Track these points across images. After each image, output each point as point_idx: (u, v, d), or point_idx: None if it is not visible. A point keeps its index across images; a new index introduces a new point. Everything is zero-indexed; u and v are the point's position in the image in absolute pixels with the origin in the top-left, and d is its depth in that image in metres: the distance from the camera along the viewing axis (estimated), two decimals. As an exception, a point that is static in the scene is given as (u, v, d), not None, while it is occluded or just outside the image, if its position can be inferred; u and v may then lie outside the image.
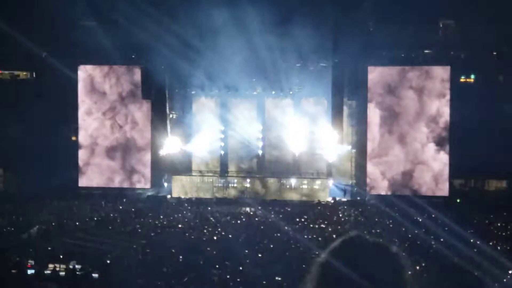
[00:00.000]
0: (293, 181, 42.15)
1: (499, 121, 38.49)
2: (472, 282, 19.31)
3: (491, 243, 26.52)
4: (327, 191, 41.57)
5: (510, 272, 19.65)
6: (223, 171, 44.42)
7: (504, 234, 29.81)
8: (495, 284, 19.03)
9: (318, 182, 42.05)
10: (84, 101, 43.84)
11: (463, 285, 19.04)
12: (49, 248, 24.28)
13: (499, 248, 25.66)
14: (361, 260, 3.36)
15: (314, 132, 43.16)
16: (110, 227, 31.02)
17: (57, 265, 20.92)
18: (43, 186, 37.89)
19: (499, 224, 31.81)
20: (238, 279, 19.60)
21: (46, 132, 41.78)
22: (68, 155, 43.08)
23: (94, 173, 43.78)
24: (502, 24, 38.55)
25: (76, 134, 44.34)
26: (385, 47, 41.63)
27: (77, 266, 20.92)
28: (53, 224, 31.46)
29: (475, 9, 38.91)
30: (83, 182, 43.67)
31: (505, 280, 19.19)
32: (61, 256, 22.29)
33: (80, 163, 43.72)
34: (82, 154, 43.80)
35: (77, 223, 31.73)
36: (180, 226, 31.29)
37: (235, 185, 42.85)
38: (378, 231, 29.58)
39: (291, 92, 43.05)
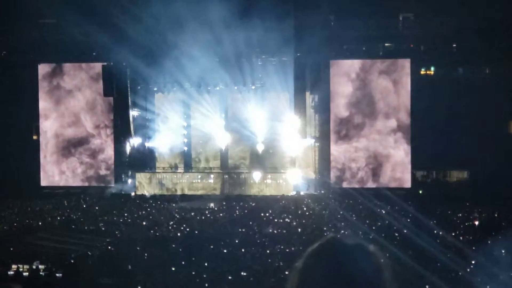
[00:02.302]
0: (257, 176, 42.18)
1: (459, 112, 38.97)
2: (435, 273, 19.50)
3: (453, 234, 26.80)
4: (291, 185, 41.70)
5: (473, 262, 19.87)
6: (187, 167, 44.35)
7: (466, 224, 30.13)
8: (458, 274, 19.25)
9: (282, 176, 42.17)
10: (44, 100, 43.45)
11: (427, 276, 19.22)
12: (12, 249, 24.02)
13: (461, 238, 25.92)
14: (340, 263, 3.33)
15: (277, 127, 43.28)
16: (73, 226, 30.75)
17: (20, 266, 20.70)
18: (4, 187, 37.49)
19: (461, 215, 32.17)
20: (204, 275, 19.58)
21: (6, 131, 41.33)
22: (29, 154, 42.69)
23: (57, 172, 43.44)
24: (461, 16, 38.95)
25: (37, 133, 43.92)
26: (346, 41, 41.86)
27: (41, 266, 20.71)
28: (15, 224, 31.13)
29: (434, 2, 39.31)
30: (45, 181, 43.31)
31: (468, 270, 19.40)
32: (23, 257, 22.05)
33: (42, 162, 43.35)
34: (43, 153, 43.44)
35: (40, 223, 31.42)
36: (144, 223, 31.14)
37: (199, 181, 42.78)
38: (342, 224, 29.75)
39: (253, 87, 43.05)
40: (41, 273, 20.32)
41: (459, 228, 28.39)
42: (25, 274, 20.26)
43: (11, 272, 20.33)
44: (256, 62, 42.51)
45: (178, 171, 44.01)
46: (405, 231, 26.89)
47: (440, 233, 26.87)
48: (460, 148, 37.92)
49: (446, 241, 24.92)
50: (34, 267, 20.69)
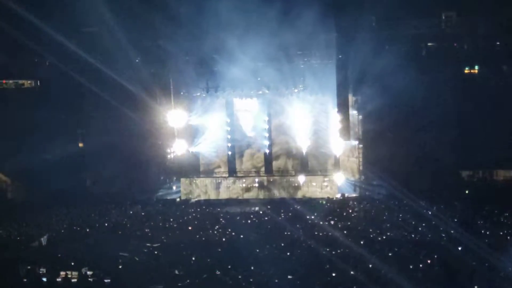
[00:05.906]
0: (301, 179, 42.13)
1: (504, 111, 38.41)
2: (485, 270, 19.35)
3: (501, 233, 26.50)
4: (336, 187, 41.58)
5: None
6: (231, 172, 44.44)
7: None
8: (507, 270, 19.12)
9: (326, 179, 42.04)
10: (89, 107, 43.79)
11: (477, 274, 19.07)
12: (60, 255, 24.28)
13: (509, 237, 25.64)
14: None
15: (321, 129, 43.22)
16: (120, 232, 31.02)
17: (69, 272, 20.96)
18: (51, 194, 37.96)
19: (507, 214, 31.70)
20: (251, 279, 19.62)
21: (52, 139, 41.79)
22: (75, 161, 43.12)
23: (103, 179, 43.76)
24: (504, 14, 38.42)
25: (83, 140, 44.38)
26: (388, 42, 41.48)
27: (89, 272, 20.97)
28: (63, 231, 31.48)
29: (476, 0, 38.83)
30: (92, 188, 43.67)
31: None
32: (72, 263, 22.29)
33: (89, 168, 43.75)
34: (89, 160, 43.83)
35: (88, 229, 31.74)
36: (190, 228, 31.29)
37: (243, 185, 42.86)
38: (388, 225, 29.58)
39: (296, 90, 43.04)
40: (89, 279, 20.57)
41: (506, 227, 28.01)
42: (74, 280, 20.53)
43: (59, 279, 20.63)
44: (298, 65, 42.47)
45: (223, 175, 44.14)
46: (452, 231, 26.66)
47: (488, 232, 26.60)
48: (507, 147, 37.40)
49: (493, 240, 24.68)
50: (82, 273, 20.95)
